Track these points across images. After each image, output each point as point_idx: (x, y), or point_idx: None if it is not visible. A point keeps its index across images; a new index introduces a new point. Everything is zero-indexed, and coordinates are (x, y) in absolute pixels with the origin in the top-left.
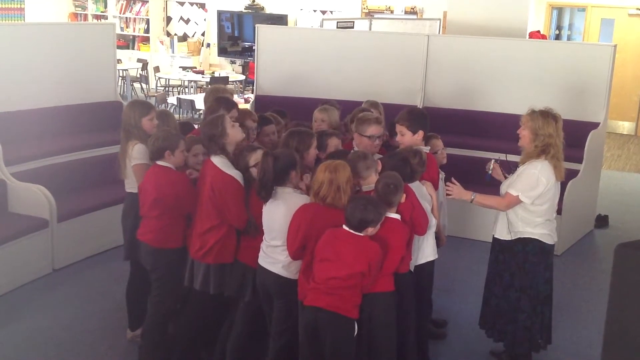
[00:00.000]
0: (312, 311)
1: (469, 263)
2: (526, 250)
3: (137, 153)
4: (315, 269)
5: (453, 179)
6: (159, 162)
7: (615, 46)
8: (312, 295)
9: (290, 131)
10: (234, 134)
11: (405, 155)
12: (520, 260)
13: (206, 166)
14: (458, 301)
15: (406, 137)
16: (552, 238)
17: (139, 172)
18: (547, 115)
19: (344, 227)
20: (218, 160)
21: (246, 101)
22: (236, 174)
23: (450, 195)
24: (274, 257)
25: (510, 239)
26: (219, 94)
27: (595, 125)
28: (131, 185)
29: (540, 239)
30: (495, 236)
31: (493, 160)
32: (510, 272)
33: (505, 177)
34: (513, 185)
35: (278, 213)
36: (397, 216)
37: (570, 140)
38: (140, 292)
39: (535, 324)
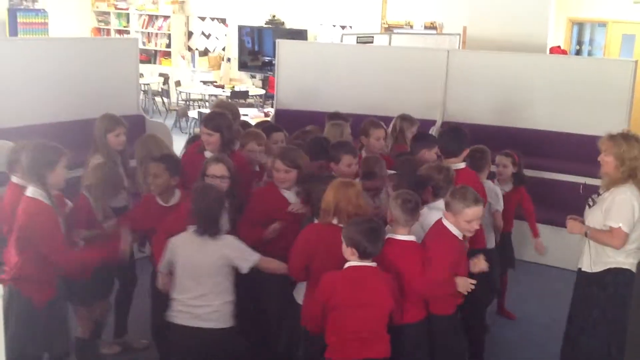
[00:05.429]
0: None
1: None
2: (617, 282)
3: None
4: (346, 319)
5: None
6: (13, 178)
7: (636, 62)
8: (352, 347)
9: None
10: (60, 175)
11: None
12: (610, 293)
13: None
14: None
15: None
16: None
17: None
18: (629, 138)
19: (362, 263)
20: (30, 190)
21: (266, 115)
22: (47, 200)
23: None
24: (203, 310)
25: (598, 270)
26: (223, 108)
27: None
28: None
29: (630, 269)
30: (583, 269)
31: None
32: (600, 308)
33: (589, 206)
34: (610, 217)
35: (211, 254)
36: (412, 237)
37: (592, 155)
38: (122, 302)
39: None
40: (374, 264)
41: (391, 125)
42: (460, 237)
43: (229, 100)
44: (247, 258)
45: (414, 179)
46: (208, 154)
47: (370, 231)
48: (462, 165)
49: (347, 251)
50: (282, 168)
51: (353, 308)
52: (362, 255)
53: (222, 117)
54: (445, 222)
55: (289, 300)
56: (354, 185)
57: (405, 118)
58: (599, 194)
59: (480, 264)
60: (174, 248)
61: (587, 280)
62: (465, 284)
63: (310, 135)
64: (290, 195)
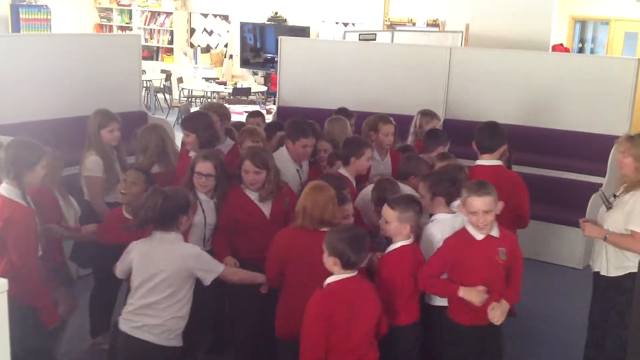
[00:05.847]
0: None
1: None
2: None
3: (90, 164)
4: (344, 336)
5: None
6: None
7: (638, 59)
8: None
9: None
10: (38, 174)
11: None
12: (629, 297)
13: None
14: None
15: None
16: None
17: (89, 183)
18: None
19: (345, 275)
20: (5, 187)
21: (268, 112)
22: (21, 198)
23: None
24: (149, 320)
25: (618, 275)
26: (209, 109)
27: (618, 138)
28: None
29: None
30: (601, 273)
31: (601, 192)
32: (617, 311)
33: (607, 208)
34: (632, 221)
35: (167, 261)
36: (408, 241)
37: (593, 153)
38: (103, 300)
39: None
40: (355, 273)
41: (413, 121)
42: (479, 238)
43: (229, 97)
44: (211, 269)
45: (448, 180)
46: (192, 154)
47: (354, 239)
48: (498, 162)
49: (329, 261)
50: (251, 169)
51: (349, 323)
52: (345, 266)
53: (200, 118)
54: (465, 222)
55: (258, 310)
56: (327, 191)
57: (425, 113)
58: (614, 196)
59: (494, 314)
60: (132, 252)
61: (605, 284)
62: (475, 295)
63: None
64: (256, 198)
